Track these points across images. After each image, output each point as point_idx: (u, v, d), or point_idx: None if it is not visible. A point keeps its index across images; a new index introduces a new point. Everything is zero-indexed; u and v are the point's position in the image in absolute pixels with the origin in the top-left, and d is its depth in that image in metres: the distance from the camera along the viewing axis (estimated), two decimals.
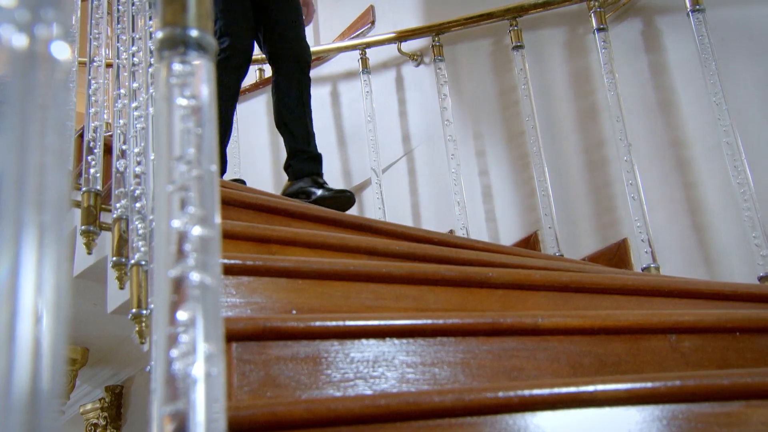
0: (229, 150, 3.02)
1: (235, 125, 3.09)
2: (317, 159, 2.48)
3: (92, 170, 1.59)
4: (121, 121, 1.50)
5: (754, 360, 1.10)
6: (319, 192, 2.34)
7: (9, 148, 0.31)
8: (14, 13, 0.32)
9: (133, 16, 1.54)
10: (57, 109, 0.32)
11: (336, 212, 1.83)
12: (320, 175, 2.44)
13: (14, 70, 0.32)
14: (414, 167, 2.96)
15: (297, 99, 2.49)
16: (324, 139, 2.75)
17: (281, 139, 3.38)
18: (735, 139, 1.86)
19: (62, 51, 0.34)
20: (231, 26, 2.40)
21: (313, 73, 2.68)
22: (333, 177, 3.08)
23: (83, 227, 1.57)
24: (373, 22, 3.24)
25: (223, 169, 2.46)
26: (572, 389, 0.85)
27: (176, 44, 0.49)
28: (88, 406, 3.28)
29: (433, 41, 2.68)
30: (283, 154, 3.40)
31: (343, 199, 2.34)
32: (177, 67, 0.48)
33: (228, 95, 2.42)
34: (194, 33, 0.49)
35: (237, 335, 0.87)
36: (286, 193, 2.40)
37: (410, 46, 2.92)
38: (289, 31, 2.51)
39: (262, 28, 2.53)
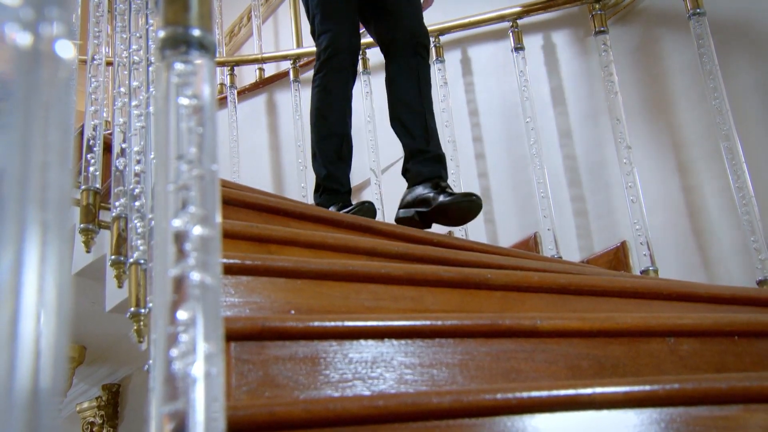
0: (229, 150, 3.01)
1: (234, 125, 3.09)
2: (439, 159, 2.10)
3: (92, 168, 1.60)
4: (121, 120, 1.50)
5: (752, 364, 1.10)
6: (440, 198, 1.94)
7: (12, 145, 0.31)
8: (19, 12, 0.32)
9: (132, 15, 1.54)
10: (60, 107, 0.33)
11: (335, 213, 1.82)
12: (442, 177, 2.07)
13: (18, 68, 0.32)
14: None
15: (415, 92, 2.14)
16: None
17: (281, 139, 3.37)
18: (734, 142, 1.86)
19: (66, 49, 0.34)
20: (328, 21, 2.12)
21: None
22: None
23: (82, 225, 1.57)
24: None
25: (348, 188, 2.18)
26: (570, 391, 0.85)
27: (178, 44, 0.49)
28: (85, 405, 3.28)
29: (434, 42, 2.68)
30: (284, 154, 3.37)
31: (467, 203, 1.93)
32: (179, 66, 0.48)
33: (336, 103, 2.12)
34: (196, 32, 0.49)
35: (236, 335, 0.87)
36: (404, 203, 2.08)
37: None
38: (404, 10, 2.16)
39: (369, 9, 2.20)
